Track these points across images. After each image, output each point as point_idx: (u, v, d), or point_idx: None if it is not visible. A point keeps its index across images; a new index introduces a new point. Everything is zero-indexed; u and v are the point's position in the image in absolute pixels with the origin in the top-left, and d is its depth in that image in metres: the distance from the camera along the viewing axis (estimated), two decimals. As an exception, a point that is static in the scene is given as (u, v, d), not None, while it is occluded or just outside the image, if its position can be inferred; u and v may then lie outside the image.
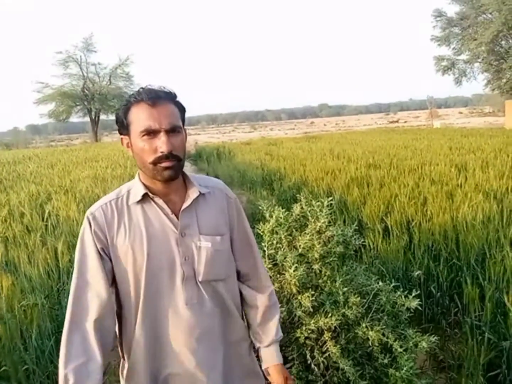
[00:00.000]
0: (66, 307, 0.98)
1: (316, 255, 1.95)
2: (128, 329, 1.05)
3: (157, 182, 1.02)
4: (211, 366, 1.05)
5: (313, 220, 2.12)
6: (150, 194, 1.02)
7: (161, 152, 0.96)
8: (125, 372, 1.06)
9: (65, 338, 0.96)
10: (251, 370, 1.17)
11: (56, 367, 2.19)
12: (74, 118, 33.65)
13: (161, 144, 0.95)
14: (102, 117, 33.38)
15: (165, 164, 0.97)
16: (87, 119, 33.55)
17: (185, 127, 1.06)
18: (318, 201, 2.16)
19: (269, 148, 11.53)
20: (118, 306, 1.06)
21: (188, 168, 15.01)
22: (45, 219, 3.35)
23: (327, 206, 2.17)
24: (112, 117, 33.37)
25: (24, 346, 1.95)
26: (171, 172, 0.98)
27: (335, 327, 1.74)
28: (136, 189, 1.04)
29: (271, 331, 1.16)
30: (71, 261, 2.64)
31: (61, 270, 2.58)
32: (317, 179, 5.42)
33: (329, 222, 2.11)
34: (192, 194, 1.06)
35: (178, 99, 1.03)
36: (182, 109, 1.04)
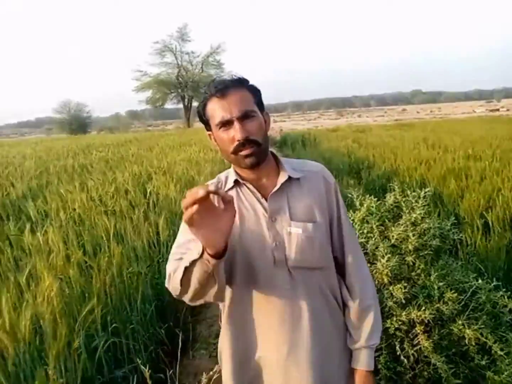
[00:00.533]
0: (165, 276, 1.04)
1: (410, 247, 1.89)
2: (227, 306, 1.06)
3: (245, 169, 1.02)
4: (301, 356, 1.02)
5: (407, 211, 2.06)
6: (240, 180, 1.04)
7: (237, 140, 0.96)
8: (220, 340, 1.11)
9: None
10: (346, 368, 1.10)
11: (156, 331, 2.43)
12: (169, 105, 35.83)
13: (236, 132, 0.95)
14: (195, 104, 35.07)
15: (244, 152, 0.97)
16: (181, 105, 35.51)
17: (266, 112, 1.05)
18: (414, 192, 2.09)
19: (356, 136, 11.19)
20: None
21: (273, 154, 15.11)
22: (147, 197, 3.66)
23: (423, 197, 2.09)
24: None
25: (130, 308, 2.19)
26: (252, 159, 0.98)
27: (428, 321, 1.69)
28: (230, 176, 1.07)
29: (362, 335, 1.08)
30: (170, 235, 2.87)
31: (161, 243, 2.82)
32: (409, 169, 5.17)
33: (425, 214, 2.03)
34: (281, 178, 1.04)
35: (250, 83, 1.01)
36: (255, 92, 1.02)
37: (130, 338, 2.04)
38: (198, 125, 39.48)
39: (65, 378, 1.48)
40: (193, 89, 33.07)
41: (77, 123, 37.88)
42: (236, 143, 0.96)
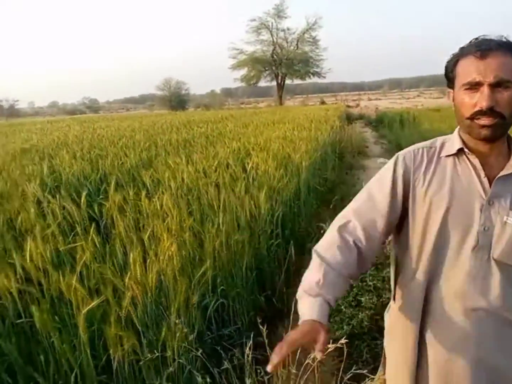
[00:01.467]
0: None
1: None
2: (406, 275, 1.02)
3: (475, 140, 0.93)
4: (480, 356, 0.93)
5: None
6: (466, 150, 0.95)
7: (480, 107, 0.87)
8: (390, 312, 1.10)
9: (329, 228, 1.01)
10: None
11: (256, 298, 2.58)
12: (262, 83, 36.18)
13: (481, 98, 0.87)
14: (287, 81, 34.99)
15: (482, 121, 0.88)
16: (273, 83, 35.71)
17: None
18: None
19: (463, 117, 10.21)
20: (398, 250, 1.06)
21: (368, 134, 14.67)
22: (247, 172, 3.82)
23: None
24: (297, 81, 34.65)
25: (235, 274, 2.35)
26: (488, 131, 0.89)
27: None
28: (453, 142, 0.98)
29: None
30: (269, 209, 2.99)
31: (261, 216, 2.94)
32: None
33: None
34: None
35: None
36: None
37: (236, 301, 2.20)
38: (288, 103, 39.78)
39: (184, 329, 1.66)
40: (287, 66, 32.95)
41: (177, 100, 40.19)
42: (477, 109, 0.88)
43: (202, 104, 43.06)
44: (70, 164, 4.29)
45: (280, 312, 2.89)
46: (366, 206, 1.01)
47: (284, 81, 34.46)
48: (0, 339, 1.60)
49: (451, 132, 1.01)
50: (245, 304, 2.30)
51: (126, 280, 1.64)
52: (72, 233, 2.58)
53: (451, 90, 0.97)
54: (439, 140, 1.03)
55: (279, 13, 33.21)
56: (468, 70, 0.89)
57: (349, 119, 18.29)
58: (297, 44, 33.73)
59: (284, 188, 3.61)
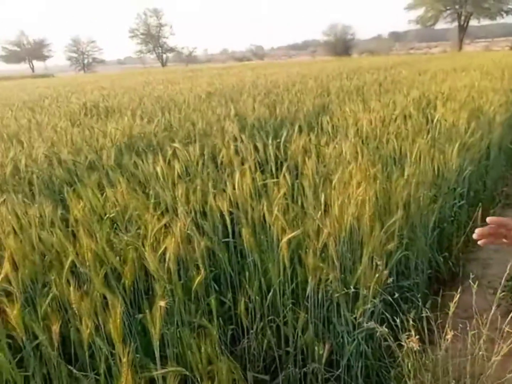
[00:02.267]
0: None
1: None
2: None
3: None
4: None
5: None
6: None
7: None
8: None
9: None
10: None
11: (434, 257, 2.49)
12: (441, 24, 32.00)
13: None
14: (472, 23, 30.20)
15: None
16: (452, 25, 31.28)
17: None
18: None
19: None
20: None
21: None
22: (432, 123, 3.55)
23: None
24: (484, 22, 29.68)
25: (419, 229, 2.29)
26: None
27: None
28: None
29: None
30: (459, 166, 2.76)
31: (448, 173, 2.74)
32: None
33: None
34: None
35: None
36: None
37: (419, 256, 2.16)
38: (468, 47, 34.55)
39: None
40: (475, 4, 28.20)
41: (342, 45, 38.80)
42: None
43: (367, 50, 40.67)
44: (252, 108, 4.62)
45: (454, 276, 2.76)
46: None
47: (468, 22, 29.81)
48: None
49: None
50: (425, 260, 2.25)
51: (318, 217, 1.76)
52: (260, 170, 2.84)
53: None
54: None
55: None
56: None
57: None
58: (491, -24, 28.44)
59: (475, 144, 3.26)
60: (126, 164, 2.81)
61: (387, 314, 1.48)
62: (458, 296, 1.30)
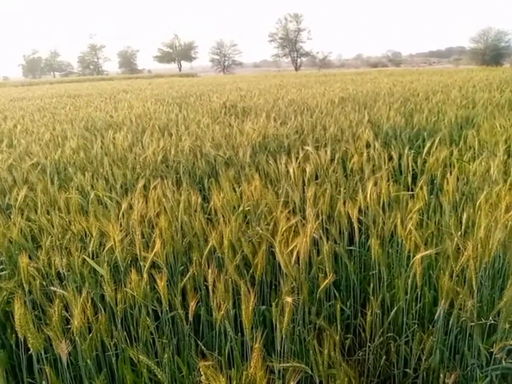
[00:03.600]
0: None
1: None
2: None
3: None
4: None
5: None
6: None
7: None
8: None
9: None
10: None
11: None
12: None
13: None
14: None
15: None
16: None
17: None
18: None
19: None
20: None
21: None
22: None
23: None
24: None
25: None
26: None
27: None
28: None
29: None
30: None
31: None
32: None
33: None
34: None
35: None
36: None
37: None
38: None
39: None
40: None
41: (492, 53, 34.81)
42: None
43: (524, 59, 35.85)
44: (387, 116, 4.46)
45: None
46: None
47: None
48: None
49: None
50: None
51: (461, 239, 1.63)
52: (393, 181, 2.73)
53: None
54: None
55: None
56: None
57: None
58: None
59: None
60: (260, 162, 2.96)
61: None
62: None
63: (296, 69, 49.54)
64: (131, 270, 1.46)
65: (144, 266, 1.51)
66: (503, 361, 1.30)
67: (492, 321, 1.42)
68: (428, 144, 2.98)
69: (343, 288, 1.94)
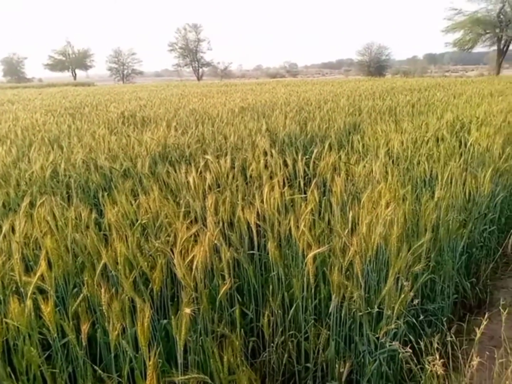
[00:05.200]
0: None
1: None
2: None
3: None
4: None
5: None
6: None
7: None
8: None
9: None
10: None
11: (461, 281, 2.44)
12: (478, 48, 31.39)
13: None
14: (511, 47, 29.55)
15: None
16: (490, 49, 30.70)
17: None
18: None
19: None
20: None
21: None
22: (465, 147, 3.50)
23: None
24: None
25: (446, 253, 2.25)
26: None
27: None
28: None
29: None
30: (491, 192, 2.70)
31: (479, 198, 2.69)
32: None
33: None
34: None
35: None
36: None
37: (445, 280, 2.12)
38: (507, 72, 33.65)
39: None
40: (515, 28, 27.66)
41: (376, 65, 38.64)
42: None
43: (401, 71, 40.31)
44: (283, 124, 4.67)
45: (480, 303, 2.68)
46: None
47: (508, 46, 29.13)
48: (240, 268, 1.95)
49: None
50: (451, 285, 2.20)
51: (345, 235, 1.77)
52: (288, 185, 2.87)
53: None
54: None
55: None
56: None
57: None
58: (534, 0, 27.77)
59: (509, 170, 3.18)
60: (159, 173, 2.90)
61: (410, 336, 1.46)
62: (484, 323, 1.27)
63: (198, 79, 49.60)
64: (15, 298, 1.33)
65: (27, 292, 1.38)
66: (387, 345, 1.43)
67: (377, 309, 1.55)
68: (318, 150, 3.18)
69: (246, 292, 1.97)
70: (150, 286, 1.64)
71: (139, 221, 2.04)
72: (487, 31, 29.31)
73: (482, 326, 1.27)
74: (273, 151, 3.20)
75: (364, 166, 2.86)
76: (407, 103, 6.75)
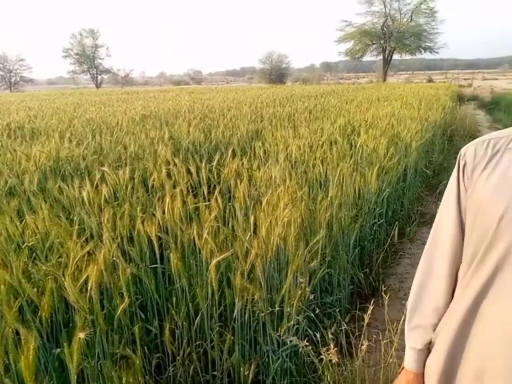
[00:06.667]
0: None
1: None
2: (456, 295, 0.89)
3: None
4: None
5: None
6: None
7: None
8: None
9: (408, 312, 0.96)
10: None
11: (356, 273, 2.64)
12: (367, 57, 34.55)
13: None
14: (395, 56, 32.96)
15: None
16: (378, 58, 33.95)
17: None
18: None
19: None
20: None
21: (481, 117, 13.40)
22: (355, 148, 3.80)
23: None
24: (405, 56, 32.57)
25: (341, 248, 2.42)
26: None
27: None
28: None
29: None
30: (377, 189, 2.97)
31: (368, 194, 2.94)
32: None
33: None
34: None
35: None
36: None
37: (339, 273, 2.28)
38: (391, 79, 37.66)
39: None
40: (397, 40, 30.89)
41: (277, 73, 40.28)
42: None
43: (300, 79, 42.57)
44: (187, 132, 4.64)
45: (375, 290, 2.94)
46: (428, 286, 0.93)
47: (391, 56, 32.46)
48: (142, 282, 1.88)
49: None
50: (347, 277, 2.38)
51: (248, 238, 1.81)
52: (193, 193, 2.85)
53: None
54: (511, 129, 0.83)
55: (395, -19, 31.00)
56: None
57: (461, 100, 16.80)
58: (411, 16, 31.29)
59: (393, 168, 3.53)
60: (50, 189, 2.69)
61: (310, 331, 1.54)
62: (371, 309, 1.39)
63: (97, 86, 47.08)
64: None
65: None
66: (288, 342, 1.49)
67: (278, 308, 1.61)
68: (221, 157, 3.22)
69: (149, 308, 1.91)
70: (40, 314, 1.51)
71: (25, 244, 1.87)
72: (374, 42, 32.36)
73: (369, 312, 1.39)
74: (176, 160, 3.16)
75: (265, 171, 2.96)
76: (305, 109, 7.13)
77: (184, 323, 1.74)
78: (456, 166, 0.87)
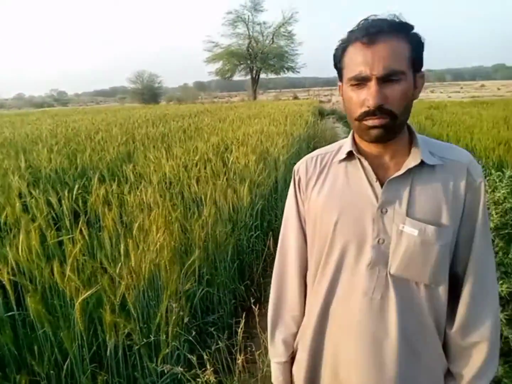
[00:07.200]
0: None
1: (492, 225, 1.94)
2: (308, 296, 0.96)
3: (367, 141, 0.82)
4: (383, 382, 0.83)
5: (490, 190, 2.10)
6: (355, 153, 0.84)
7: (368, 106, 0.74)
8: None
9: (269, 329, 1.00)
10: None
11: (236, 287, 2.70)
12: (237, 77, 36.20)
13: (369, 95, 0.74)
14: (262, 75, 35.16)
15: (371, 122, 0.75)
16: (247, 77, 35.83)
17: (423, 73, 0.80)
18: (498, 172, 2.14)
19: (429, 112, 10.70)
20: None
21: (339, 129, 14.93)
22: (227, 166, 3.91)
23: (509, 177, 2.12)
24: (271, 76, 34.98)
25: (219, 264, 2.45)
26: (379, 132, 0.76)
27: (503, 296, 1.76)
28: (346, 145, 0.87)
29: (467, 373, 0.84)
30: (250, 202, 3.10)
31: (243, 209, 3.05)
32: (487, 150, 5.02)
33: (508, 194, 2.06)
34: (410, 162, 0.80)
35: (414, 31, 0.77)
36: (416, 45, 0.76)
37: (219, 289, 2.30)
38: (261, 97, 40.19)
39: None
40: (262, 61, 33.13)
41: (149, 93, 39.50)
42: (365, 109, 0.75)
43: (174, 98, 42.51)
44: (48, 159, 4.26)
45: (257, 300, 3.05)
46: (285, 290, 0.99)
47: (258, 76, 34.59)
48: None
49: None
50: (227, 292, 2.42)
51: (118, 269, 1.72)
52: (56, 227, 2.61)
53: (341, 84, 0.83)
54: (338, 143, 0.93)
55: (255, 6, 33.30)
56: (355, 61, 0.75)
57: (322, 114, 18.57)
58: (272, 38, 33.88)
59: (264, 181, 3.73)
60: None
61: (189, 355, 1.52)
62: (243, 322, 1.43)
63: None
64: None
65: None
66: (165, 371, 1.44)
67: (154, 338, 1.56)
68: (89, 184, 3.02)
69: (8, 363, 1.67)
70: None
71: None
72: (241, 62, 34.12)
73: (241, 325, 1.42)
74: (34, 191, 2.87)
75: (137, 195, 2.86)
76: (179, 128, 7.13)
77: (52, 372, 1.57)
78: (292, 181, 0.94)
